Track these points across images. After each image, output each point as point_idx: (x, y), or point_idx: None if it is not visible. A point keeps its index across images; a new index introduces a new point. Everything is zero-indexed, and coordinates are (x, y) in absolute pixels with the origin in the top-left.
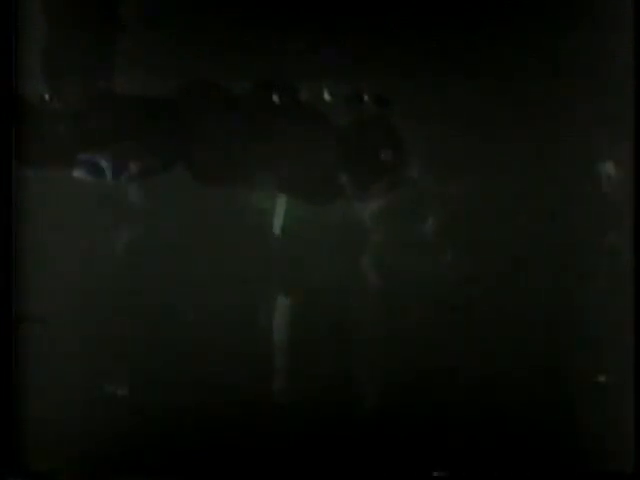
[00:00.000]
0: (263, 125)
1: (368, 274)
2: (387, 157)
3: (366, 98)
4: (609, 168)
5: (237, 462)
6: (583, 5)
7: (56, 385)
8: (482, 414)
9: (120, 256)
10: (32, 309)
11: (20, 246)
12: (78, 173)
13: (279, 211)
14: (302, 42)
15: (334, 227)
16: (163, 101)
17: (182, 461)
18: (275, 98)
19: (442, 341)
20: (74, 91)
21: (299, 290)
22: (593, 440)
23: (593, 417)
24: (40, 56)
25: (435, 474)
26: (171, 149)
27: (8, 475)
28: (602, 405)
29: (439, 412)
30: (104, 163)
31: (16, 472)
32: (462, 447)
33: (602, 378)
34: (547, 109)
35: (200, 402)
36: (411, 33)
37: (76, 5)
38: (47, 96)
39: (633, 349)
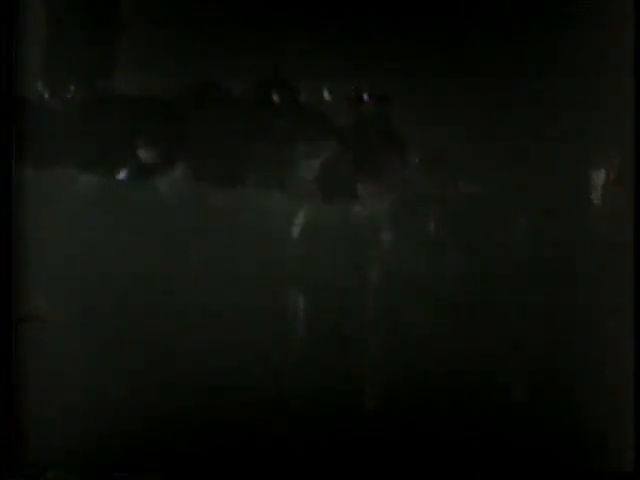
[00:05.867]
0: (263, 125)
1: (368, 273)
2: (387, 157)
3: (366, 98)
4: (609, 168)
5: (237, 462)
6: (583, 5)
7: (56, 385)
8: (482, 413)
9: (120, 256)
10: (32, 309)
11: (20, 246)
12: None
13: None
14: (302, 42)
15: (334, 227)
16: (163, 101)
17: (182, 461)
18: (275, 98)
19: (442, 341)
20: (74, 91)
21: (300, 289)
22: (593, 439)
23: (593, 416)
24: (40, 56)
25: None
26: (171, 149)
27: (8, 475)
28: (602, 405)
29: (439, 411)
30: (104, 163)
31: (16, 472)
32: (462, 446)
33: (602, 378)
34: (547, 109)
35: (201, 402)
36: (411, 33)
37: (76, 5)
38: (47, 96)
39: (633, 349)
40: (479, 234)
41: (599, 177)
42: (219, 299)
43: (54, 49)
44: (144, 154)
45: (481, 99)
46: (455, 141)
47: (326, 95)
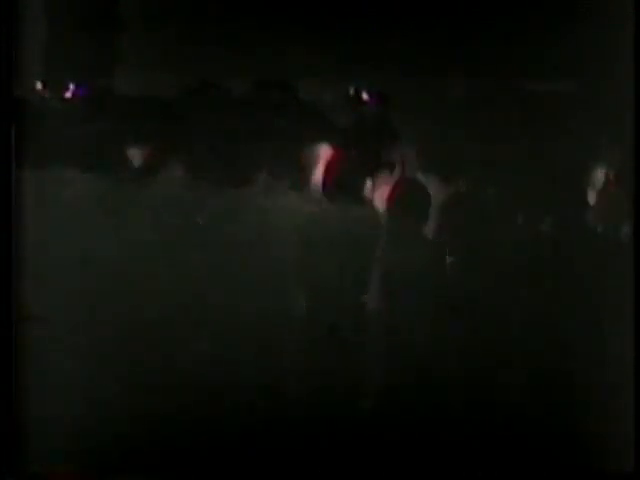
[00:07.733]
0: (263, 125)
1: (368, 273)
2: (387, 156)
3: (366, 98)
4: (609, 168)
5: (237, 461)
6: (583, 5)
7: (56, 385)
8: (482, 414)
9: (120, 256)
10: (32, 309)
11: (20, 246)
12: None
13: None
14: (302, 42)
15: (335, 227)
16: (163, 101)
17: (182, 461)
18: (275, 97)
19: (441, 341)
20: (74, 91)
21: (299, 289)
22: (593, 439)
23: (593, 416)
24: (40, 56)
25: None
26: (171, 149)
27: (8, 475)
28: (602, 405)
29: (439, 411)
30: (104, 163)
31: (16, 472)
32: (463, 446)
33: (602, 378)
34: (547, 109)
35: (200, 401)
36: (411, 33)
37: (76, 5)
38: (47, 96)
39: (633, 349)
40: (479, 234)
41: (599, 177)
42: (219, 299)
43: (54, 49)
44: (144, 154)
45: (481, 99)
46: (455, 141)
47: (326, 95)
